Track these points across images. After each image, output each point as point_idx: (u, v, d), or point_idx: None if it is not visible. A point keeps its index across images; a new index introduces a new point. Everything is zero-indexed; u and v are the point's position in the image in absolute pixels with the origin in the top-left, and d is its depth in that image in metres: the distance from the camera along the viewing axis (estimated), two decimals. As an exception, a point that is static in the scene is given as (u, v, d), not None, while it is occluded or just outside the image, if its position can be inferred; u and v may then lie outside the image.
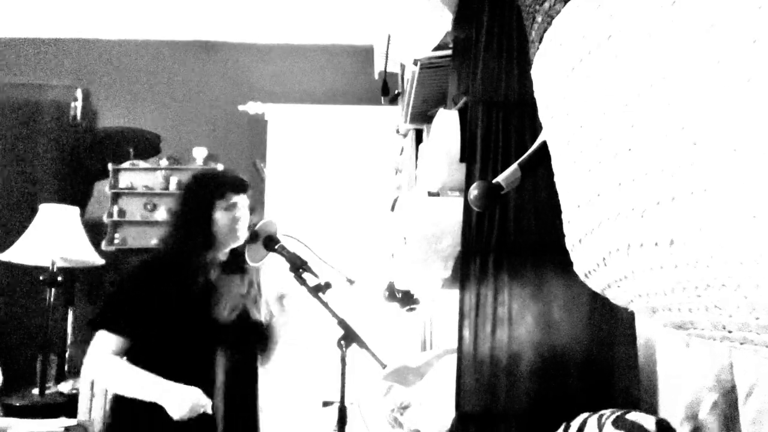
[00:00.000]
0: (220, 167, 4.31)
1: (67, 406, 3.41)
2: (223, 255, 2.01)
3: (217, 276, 1.97)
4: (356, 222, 4.19)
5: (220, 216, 1.94)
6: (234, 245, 1.98)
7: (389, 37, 2.31)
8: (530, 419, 1.41)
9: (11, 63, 4.48)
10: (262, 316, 2.08)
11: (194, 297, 1.91)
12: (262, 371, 2.10)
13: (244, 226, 1.96)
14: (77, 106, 4.36)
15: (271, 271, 2.13)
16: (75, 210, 3.76)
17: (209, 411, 1.80)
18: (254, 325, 2.04)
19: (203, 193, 2.00)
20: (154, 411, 1.80)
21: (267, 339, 2.09)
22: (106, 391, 3.46)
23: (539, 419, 1.38)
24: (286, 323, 2.09)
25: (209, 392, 1.88)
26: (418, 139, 2.76)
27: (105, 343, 1.86)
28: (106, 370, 1.88)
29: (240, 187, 2.01)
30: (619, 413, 1.08)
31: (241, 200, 1.98)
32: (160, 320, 1.87)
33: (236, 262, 2.01)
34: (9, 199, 4.19)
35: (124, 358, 1.91)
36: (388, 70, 2.47)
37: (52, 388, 3.66)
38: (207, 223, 1.94)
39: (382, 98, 2.66)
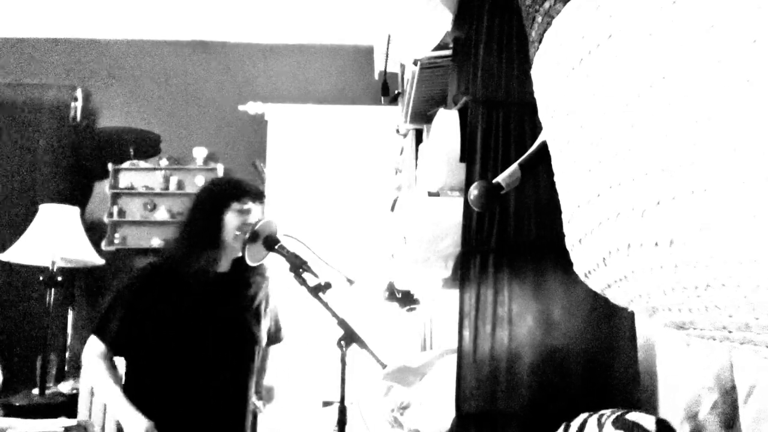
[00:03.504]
0: (220, 167, 4.31)
1: (67, 406, 3.41)
2: (227, 262, 2.00)
3: (217, 284, 1.97)
4: (356, 222, 4.19)
5: (230, 218, 1.94)
6: (237, 253, 1.97)
7: (389, 37, 2.31)
8: (530, 419, 1.40)
9: (11, 63, 4.48)
10: (263, 332, 2.08)
11: (189, 303, 1.92)
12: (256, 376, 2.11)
13: None
14: (77, 106, 4.36)
15: (279, 284, 2.14)
16: (75, 210, 3.76)
17: None
18: (248, 342, 2.04)
19: (219, 195, 2.00)
20: (153, 408, 1.82)
21: (260, 359, 2.10)
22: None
23: (539, 419, 1.38)
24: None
25: (199, 404, 1.89)
26: (418, 139, 2.76)
27: (92, 347, 1.94)
28: (90, 374, 1.96)
29: (257, 195, 2.01)
30: (619, 413, 1.09)
31: (256, 209, 1.99)
32: (155, 328, 1.90)
33: (241, 275, 2.01)
34: (9, 199, 4.19)
35: (118, 362, 1.96)
36: (388, 70, 2.47)
37: (52, 388, 3.66)
38: (217, 224, 1.94)
39: (382, 98, 2.66)
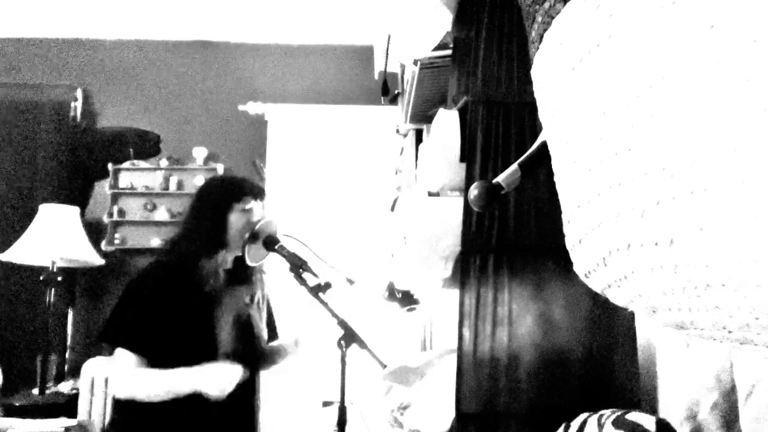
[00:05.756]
0: (220, 167, 4.31)
1: (67, 406, 3.42)
2: (231, 259, 2.00)
3: (223, 283, 1.96)
4: (356, 222, 4.19)
5: (235, 218, 1.94)
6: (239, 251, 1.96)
7: (389, 37, 2.32)
8: (530, 419, 1.41)
9: (11, 63, 4.48)
10: (263, 325, 2.08)
11: (201, 304, 1.90)
12: (262, 379, 2.10)
13: None
14: (77, 106, 4.36)
15: (277, 283, 2.13)
16: (75, 210, 3.76)
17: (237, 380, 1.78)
18: (256, 339, 2.04)
19: (222, 195, 1.99)
20: (156, 412, 1.80)
21: (267, 357, 2.10)
22: (106, 392, 3.47)
23: (539, 419, 1.38)
24: (293, 356, 2.14)
25: (208, 402, 1.88)
26: (418, 139, 2.76)
27: (126, 361, 1.82)
28: (135, 384, 1.84)
29: (259, 193, 2.01)
30: (619, 413, 1.09)
31: (257, 206, 1.98)
32: (172, 332, 1.85)
33: (242, 272, 2.01)
34: (9, 199, 4.19)
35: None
36: (388, 70, 2.47)
37: (52, 388, 3.66)
38: (221, 224, 1.93)
39: (382, 98, 2.67)
